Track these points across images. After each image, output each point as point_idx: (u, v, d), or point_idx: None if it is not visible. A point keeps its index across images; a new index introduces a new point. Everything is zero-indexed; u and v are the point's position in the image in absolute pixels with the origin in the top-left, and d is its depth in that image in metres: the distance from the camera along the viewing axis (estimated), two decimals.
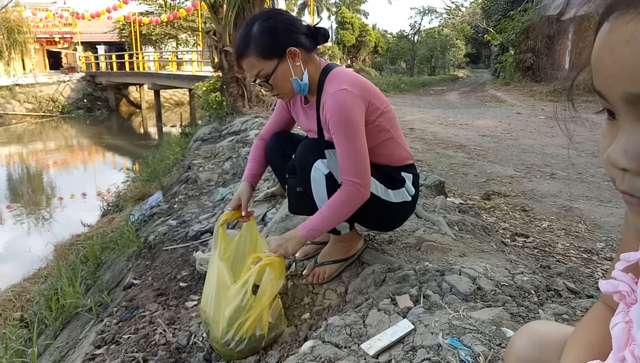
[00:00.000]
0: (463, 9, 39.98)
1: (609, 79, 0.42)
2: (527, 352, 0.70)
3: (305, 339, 1.50)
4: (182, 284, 2.22)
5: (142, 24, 25.43)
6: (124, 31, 28.01)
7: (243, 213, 1.81)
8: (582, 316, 1.35)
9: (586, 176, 4.45)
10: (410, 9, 50.21)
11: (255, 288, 1.52)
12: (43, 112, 22.10)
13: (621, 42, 0.39)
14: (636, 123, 0.41)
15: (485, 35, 26.66)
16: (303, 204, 1.75)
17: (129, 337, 1.82)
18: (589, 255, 2.53)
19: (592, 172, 4.58)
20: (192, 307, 1.98)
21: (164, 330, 1.80)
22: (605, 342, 0.60)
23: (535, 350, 0.69)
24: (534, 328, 0.72)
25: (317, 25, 1.69)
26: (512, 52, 19.21)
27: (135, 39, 24.99)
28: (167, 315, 1.92)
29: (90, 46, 29.13)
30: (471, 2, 38.54)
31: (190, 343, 1.71)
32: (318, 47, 1.70)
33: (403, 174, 1.76)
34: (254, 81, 1.68)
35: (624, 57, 0.39)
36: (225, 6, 7.33)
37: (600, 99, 0.45)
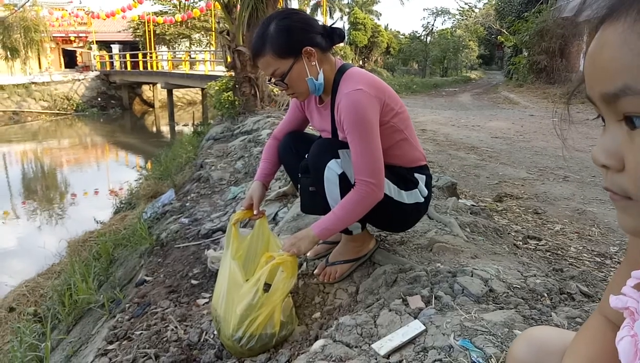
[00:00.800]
0: (476, 10, 39.71)
1: (590, 83, 0.45)
2: (526, 356, 0.70)
3: (316, 338, 1.50)
4: (193, 282, 2.24)
5: (156, 24, 25.65)
6: (138, 30, 28.26)
7: (255, 213, 1.82)
8: None
9: (600, 179, 4.40)
10: (423, 9, 50.23)
11: (267, 287, 1.53)
12: (58, 110, 22.38)
13: (599, 47, 0.43)
14: (614, 122, 0.44)
15: (498, 37, 26.45)
16: (316, 204, 1.76)
17: (141, 333, 1.84)
18: (602, 259, 2.50)
19: None
20: (203, 305, 2.00)
21: (176, 327, 1.82)
22: (604, 357, 0.60)
23: (533, 355, 0.70)
24: (533, 333, 0.73)
25: (333, 26, 1.69)
26: (526, 54, 19.03)
27: (149, 39, 25.20)
28: (178, 312, 1.94)
29: (105, 45, 29.43)
30: (485, 4, 38.26)
31: (202, 340, 1.72)
32: (334, 47, 1.71)
33: (416, 175, 1.75)
34: (269, 80, 1.68)
35: (599, 60, 0.43)
36: (238, 6, 7.36)
37: (592, 106, 0.47)
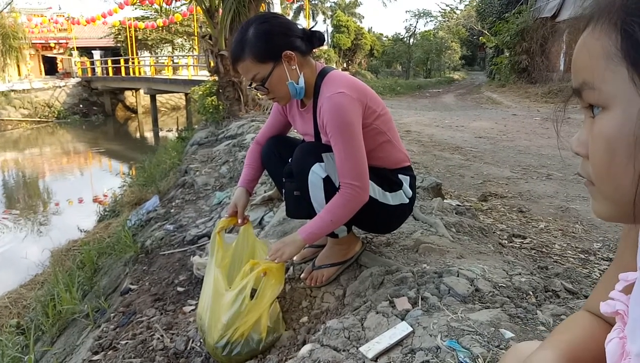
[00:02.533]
0: (458, 12, 40.15)
1: (572, 77, 0.52)
2: None
3: (304, 343, 1.50)
4: (179, 289, 2.21)
5: (137, 29, 25.43)
6: (119, 36, 28.00)
7: (239, 221, 1.81)
8: None
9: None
10: (406, 12, 50.57)
11: (253, 292, 1.52)
12: (39, 118, 22.04)
13: (579, 45, 0.50)
14: (585, 114, 0.50)
15: (480, 38, 26.78)
16: (300, 208, 1.75)
17: (127, 342, 1.82)
18: (586, 255, 2.53)
19: None
20: (189, 312, 1.98)
21: (162, 336, 1.79)
22: (585, 342, 0.60)
23: None
24: (521, 349, 0.72)
25: (313, 29, 1.69)
26: (507, 54, 19.26)
27: (131, 44, 24.98)
28: (164, 320, 1.91)
29: (86, 51, 29.10)
30: (466, 5, 38.69)
31: (188, 348, 1.70)
32: (314, 50, 1.70)
33: (400, 176, 1.76)
34: (250, 85, 1.68)
35: (577, 57, 0.50)
36: (220, 11, 7.33)
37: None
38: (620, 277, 0.55)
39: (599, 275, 2.22)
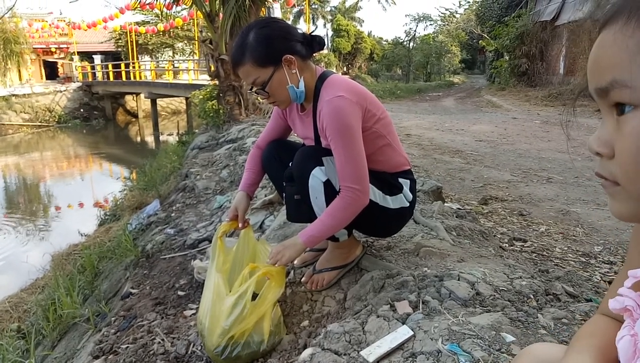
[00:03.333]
0: (457, 16, 40.25)
1: (589, 79, 0.51)
2: None
3: (305, 347, 1.49)
4: (180, 293, 2.21)
5: (138, 34, 25.51)
6: (120, 41, 28.10)
7: (240, 225, 1.81)
8: (582, 320, 1.36)
9: (583, 180, 4.46)
10: (405, 16, 50.65)
11: (254, 297, 1.52)
12: (40, 122, 22.08)
13: (596, 47, 0.50)
14: (608, 114, 0.49)
15: (480, 41, 26.80)
16: (301, 212, 1.75)
17: (127, 346, 1.81)
18: (587, 258, 2.53)
19: (589, 175, 4.59)
20: (190, 316, 1.97)
21: (163, 340, 1.79)
22: (608, 348, 0.60)
23: None
24: (537, 351, 0.71)
25: (313, 33, 1.70)
26: (507, 58, 19.30)
27: (132, 49, 25.05)
28: (165, 324, 1.91)
29: (87, 56, 29.18)
30: (465, 9, 38.80)
31: (189, 352, 1.70)
32: (314, 54, 1.71)
33: (400, 179, 1.76)
34: (251, 89, 1.68)
35: (595, 58, 0.50)
36: (221, 15, 7.36)
37: (593, 101, 0.53)
38: (630, 274, 0.54)
39: (599, 279, 2.22)
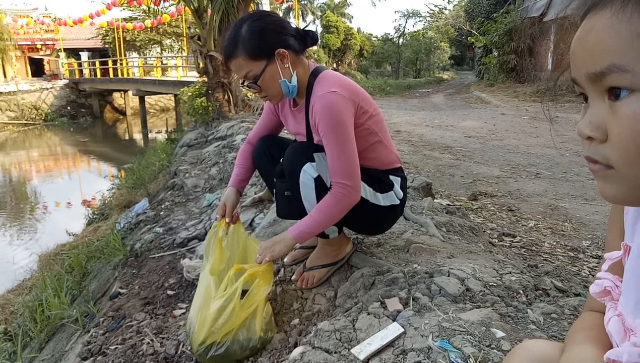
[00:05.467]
0: (446, 12, 40.32)
1: (577, 64, 0.51)
2: None
3: (295, 345, 1.49)
4: (169, 292, 2.19)
5: (125, 30, 25.23)
6: (107, 37, 27.78)
7: (227, 220, 1.80)
8: (571, 314, 1.37)
9: (571, 175, 4.50)
10: (395, 12, 50.66)
11: (244, 293, 1.51)
12: (25, 120, 21.80)
13: (585, 32, 0.50)
14: (598, 98, 0.50)
15: (468, 38, 26.91)
16: (291, 208, 1.74)
17: (116, 347, 1.80)
18: (575, 253, 2.55)
19: (577, 171, 4.64)
20: (180, 316, 1.96)
21: (152, 340, 1.77)
22: (604, 339, 0.61)
23: None
24: (531, 347, 0.71)
25: (306, 28, 1.68)
26: (496, 54, 19.41)
27: (119, 45, 24.79)
28: (154, 324, 1.89)
29: (73, 53, 28.84)
30: (454, 5, 38.89)
31: (179, 352, 1.68)
32: (307, 49, 1.70)
33: (391, 177, 1.76)
34: (243, 83, 1.66)
35: (586, 43, 0.50)
36: (209, 11, 7.30)
37: (576, 86, 0.53)
38: (606, 256, 0.56)
39: (588, 273, 2.24)
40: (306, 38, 1.66)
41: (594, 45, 0.49)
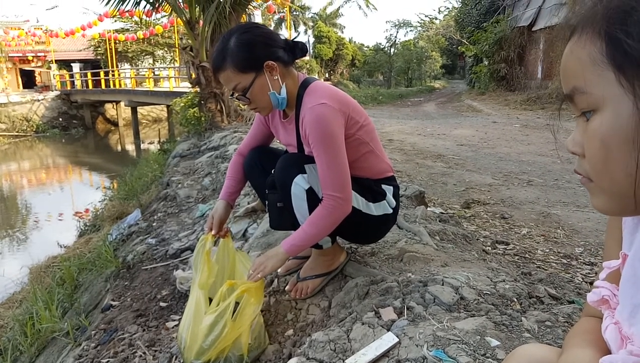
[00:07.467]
0: (437, 22, 40.74)
1: (562, 84, 0.55)
2: None
3: (289, 356, 1.48)
4: (162, 304, 2.17)
5: (117, 41, 25.23)
6: (99, 49, 27.77)
7: (213, 233, 1.78)
8: (565, 322, 1.37)
9: (562, 182, 4.53)
10: (386, 22, 51.04)
11: (236, 306, 1.49)
12: (17, 132, 21.66)
13: (567, 54, 0.54)
14: (579, 117, 0.54)
15: (459, 47, 27.17)
16: (284, 220, 1.74)
17: (108, 361, 1.77)
18: (568, 260, 2.56)
19: (568, 178, 4.67)
20: (172, 328, 1.94)
21: (144, 353, 1.75)
22: (602, 343, 0.61)
23: None
24: (529, 352, 0.71)
25: (295, 40, 1.69)
26: (486, 63, 19.58)
27: (111, 56, 24.76)
28: (147, 336, 1.87)
29: (65, 64, 28.75)
30: (445, 15, 39.30)
31: None
32: (296, 61, 1.70)
33: (384, 186, 1.76)
34: (232, 95, 1.66)
35: (566, 64, 0.54)
36: (201, 22, 7.32)
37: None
38: (604, 265, 0.58)
39: (581, 280, 2.25)
40: (295, 49, 1.66)
41: (563, 70, 0.54)
